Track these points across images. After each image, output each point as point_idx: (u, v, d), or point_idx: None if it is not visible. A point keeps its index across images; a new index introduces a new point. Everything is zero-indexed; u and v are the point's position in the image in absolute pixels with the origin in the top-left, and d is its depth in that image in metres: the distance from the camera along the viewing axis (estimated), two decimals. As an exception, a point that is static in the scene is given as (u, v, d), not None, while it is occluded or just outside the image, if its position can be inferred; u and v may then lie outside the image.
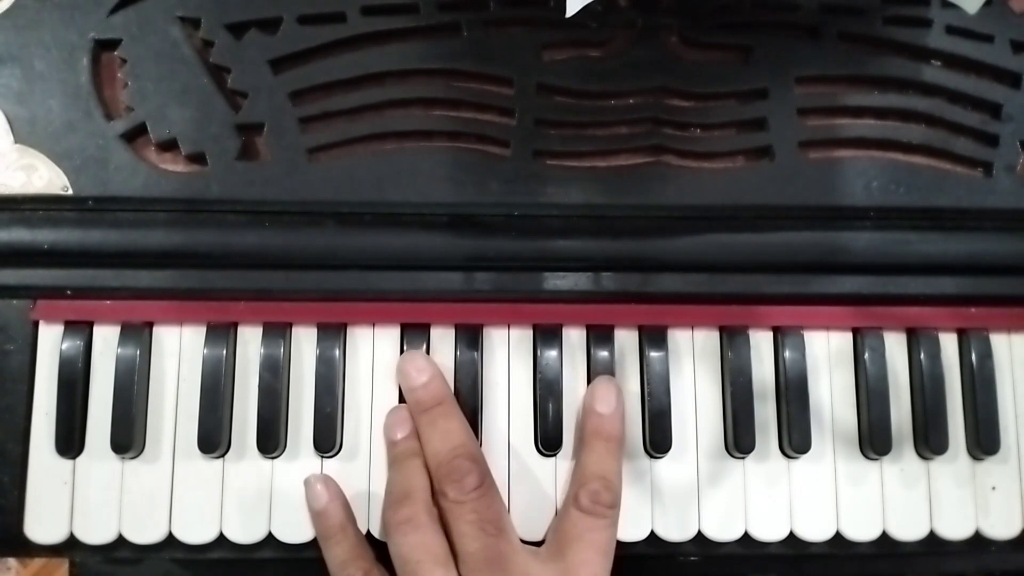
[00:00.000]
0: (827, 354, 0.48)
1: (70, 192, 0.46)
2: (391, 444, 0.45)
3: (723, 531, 0.46)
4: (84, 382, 0.46)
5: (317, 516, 0.44)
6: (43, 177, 0.46)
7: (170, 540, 0.45)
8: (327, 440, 0.45)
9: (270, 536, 0.45)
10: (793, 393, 0.46)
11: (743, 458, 0.47)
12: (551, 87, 0.47)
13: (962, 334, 0.48)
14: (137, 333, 0.46)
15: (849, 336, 0.48)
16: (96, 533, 0.45)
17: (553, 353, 0.46)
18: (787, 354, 0.47)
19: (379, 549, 0.44)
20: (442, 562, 0.41)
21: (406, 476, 0.44)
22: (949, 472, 0.47)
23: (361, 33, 0.47)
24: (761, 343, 0.47)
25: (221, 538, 0.45)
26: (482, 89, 0.47)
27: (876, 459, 0.47)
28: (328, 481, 0.45)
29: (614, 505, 0.44)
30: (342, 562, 0.43)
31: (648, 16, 0.48)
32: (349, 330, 0.47)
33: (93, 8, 0.47)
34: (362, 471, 0.46)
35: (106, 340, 0.46)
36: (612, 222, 0.47)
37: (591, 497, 0.43)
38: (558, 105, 0.47)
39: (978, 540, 0.47)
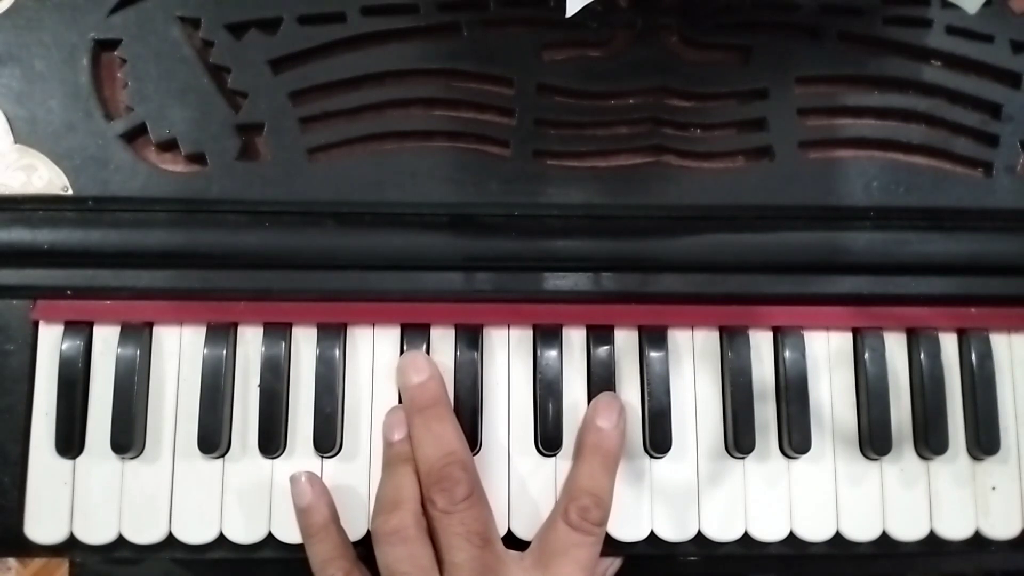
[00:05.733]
0: (827, 354, 0.48)
1: (70, 192, 0.46)
2: (387, 445, 0.45)
3: (723, 531, 0.46)
4: (84, 382, 0.46)
5: (301, 513, 0.44)
6: (43, 177, 0.46)
7: (170, 540, 0.45)
8: (327, 440, 0.45)
9: (270, 536, 0.45)
10: (793, 393, 0.46)
11: (743, 458, 0.47)
12: (551, 87, 0.47)
13: (962, 334, 0.48)
14: (137, 333, 0.46)
15: (849, 336, 0.48)
16: (96, 533, 0.45)
17: (553, 353, 0.46)
18: (787, 354, 0.47)
19: (370, 547, 0.44)
20: (428, 574, 0.42)
21: (397, 483, 0.44)
22: (949, 472, 0.47)
23: (361, 33, 0.47)
24: (761, 343, 0.47)
25: (221, 538, 0.45)
26: (482, 89, 0.47)
27: (876, 459, 0.47)
28: (313, 479, 0.45)
29: (602, 523, 0.44)
30: (323, 560, 0.43)
31: (648, 16, 0.48)
32: (349, 330, 0.47)
33: (93, 8, 0.47)
34: (362, 471, 0.46)
35: (106, 340, 0.46)
36: (612, 222, 0.47)
37: (580, 513, 0.43)
38: (558, 105, 0.47)
39: (978, 540, 0.47)
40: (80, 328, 0.46)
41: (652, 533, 0.46)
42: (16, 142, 0.46)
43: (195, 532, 0.45)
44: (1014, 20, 0.49)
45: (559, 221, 0.47)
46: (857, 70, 0.48)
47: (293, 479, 0.45)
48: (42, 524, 0.45)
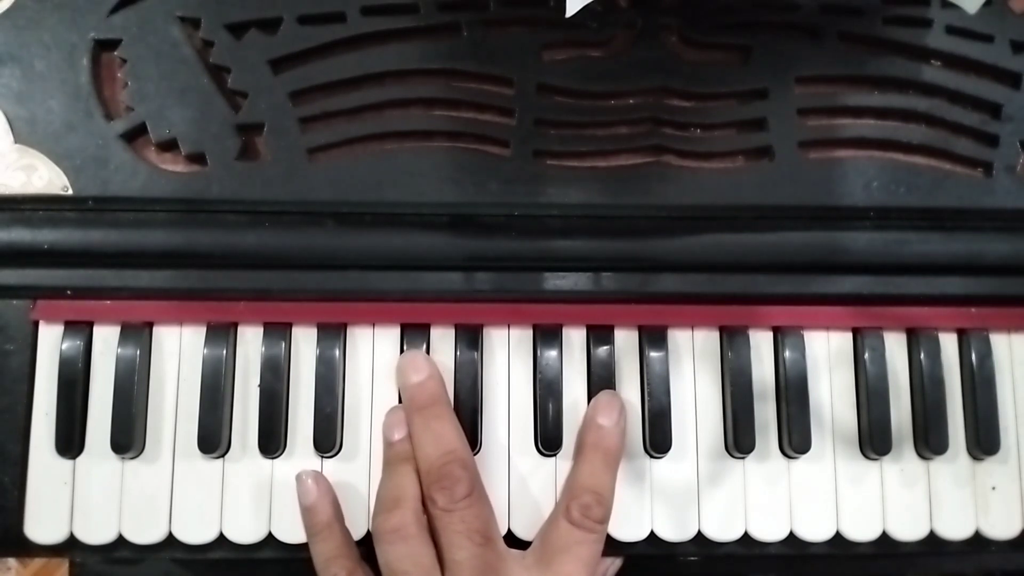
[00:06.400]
0: (827, 354, 0.48)
1: (70, 192, 0.46)
2: (388, 445, 0.45)
3: (723, 531, 0.46)
4: (84, 382, 0.46)
5: (305, 512, 0.44)
6: (43, 177, 0.46)
7: (170, 540, 0.45)
8: (327, 440, 0.45)
9: (270, 536, 0.45)
10: (793, 393, 0.46)
11: (743, 458, 0.47)
12: (551, 87, 0.47)
13: (962, 334, 0.48)
14: (137, 333, 0.46)
15: (849, 336, 0.48)
16: (96, 533, 0.45)
17: (553, 353, 0.46)
18: (787, 354, 0.47)
19: (370, 547, 0.44)
20: (429, 572, 0.42)
21: (397, 482, 0.44)
22: (949, 472, 0.47)
23: (361, 33, 0.47)
24: (761, 343, 0.47)
25: (221, 538, 0.45)
26: (482, 89, 0.47)
27: (876, 459, 0.47)
28: (318, 478, 0.45)
29: (604, 520, 0.44)
30: (326, 559, 0.43)
31: (648, 16, 0.48)
32: (349, 330, 0.47)
33: (93, 8, 0.47)
34: (362, 471, 0.46)
35: (106, 340, 0.46)
36: (612, 222, 0.47)
37: (582, 511, 0.43)
38: (558, 105, 0.47)
39: (978, 540, 0.47)
40: (80, 328, 0.46)
41: (652, 533, 0.46)
42: (16, 142, 0.46)
43: (195, 532, 0.45)
44: (1014, 20, 0.49)
45: (559, 221, 0.47)
46: (857, 70, 0.48)
47: (298, 478, 0.45)
48: (42, 524, 0.45)
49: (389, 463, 0.45)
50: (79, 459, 0.46)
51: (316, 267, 0.46)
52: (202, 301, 0.46)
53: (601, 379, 0.46)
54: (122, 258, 0.45)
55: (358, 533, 0.45)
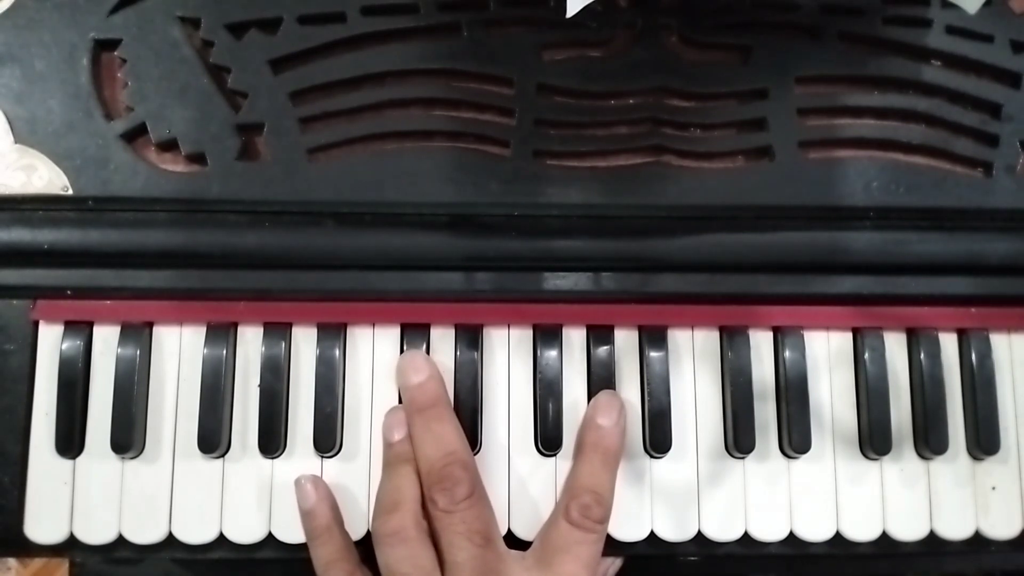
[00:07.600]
0: (827, 354, 0.48)
1: (70, 192, 0.46)
2: (388, 445, 0.45)
3: (723, 531, 0.46)
4: (84, 382, 0.46)
5: (305, 516, 0.45)
6: (43, 177, 0.46)
7: (170, 540, 0.45)
8: (327, 440, 0.45)
9: (270, 536, 0.45)
10: (793, 393, 0.46)
11: (743, 458, 0.47)
12: (551, 87, 0.47)
13: (962, 334, 0.48)
14: (137, 333, 0.46)
15: (849, 336, 0.48)
16: (96, 533, 0.45)
17: (553, 353, 0.46)
18: (787, 354, 0.47)
19: (369, 547, 0.44)
20: (429, 574, 0.42)
21: (397, 483, 0.44)
22: (949, 472, 0.47)
23: (361, 33, 0.47)
24: (761, 343, 0.47)
25: (221, 538, 0.45)
26: (482, 89, 0.47)
27: (876, 459, 0.47)
28: (317, 482, 0.45)
29: (604, 520, 0.44)
30: (326, 563, 0.43)
31: (648, 16, 0.48)
32: (349, 330, 0.47)
33: (93, 8, 0.47)
34: (362, 471, 0.46)
35: (106, 340, 0.46)
36: (612, 222, 0.47)
37: (581, 511, 0.43)
38: (558, 105, 0.47)
39: (978, 540, 0.47)
40: (80, 328, 0.46)
41: (652, 533, 0.46)
42: (16, 142, 0.46)
43: (195, 532, 0.45)
44: (1014, 20, 0.49)
45: (559, 221, 0.47)
46: (857, 70, 0.48)
47: (297, 482, 0.45)
48: (42, 524, 0.45)
49: (389, 464, 0.45)
50: (79, 459, 0.46)
51: (316, 267, 0.46)
52: (202, 301, 0.46)
53: (601, 379, 0.46)
54: (122, 258, 0.45)
55: (358, 534, 0.45)
